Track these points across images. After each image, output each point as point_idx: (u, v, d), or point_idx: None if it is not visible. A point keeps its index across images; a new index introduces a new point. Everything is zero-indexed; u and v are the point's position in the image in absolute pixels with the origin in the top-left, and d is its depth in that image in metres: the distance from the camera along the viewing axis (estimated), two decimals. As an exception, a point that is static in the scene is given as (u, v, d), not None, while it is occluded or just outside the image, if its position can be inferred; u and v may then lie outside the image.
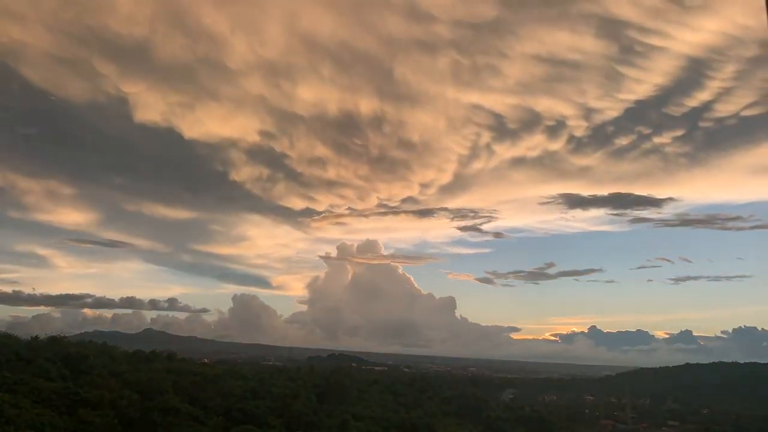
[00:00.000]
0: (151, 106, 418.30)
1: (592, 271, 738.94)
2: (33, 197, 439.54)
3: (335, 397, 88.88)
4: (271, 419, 62.56)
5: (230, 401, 66.05)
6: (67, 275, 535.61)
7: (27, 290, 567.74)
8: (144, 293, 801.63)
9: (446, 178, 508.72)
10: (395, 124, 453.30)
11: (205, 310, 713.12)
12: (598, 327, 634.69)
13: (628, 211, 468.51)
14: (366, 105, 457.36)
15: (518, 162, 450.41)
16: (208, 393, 67.88)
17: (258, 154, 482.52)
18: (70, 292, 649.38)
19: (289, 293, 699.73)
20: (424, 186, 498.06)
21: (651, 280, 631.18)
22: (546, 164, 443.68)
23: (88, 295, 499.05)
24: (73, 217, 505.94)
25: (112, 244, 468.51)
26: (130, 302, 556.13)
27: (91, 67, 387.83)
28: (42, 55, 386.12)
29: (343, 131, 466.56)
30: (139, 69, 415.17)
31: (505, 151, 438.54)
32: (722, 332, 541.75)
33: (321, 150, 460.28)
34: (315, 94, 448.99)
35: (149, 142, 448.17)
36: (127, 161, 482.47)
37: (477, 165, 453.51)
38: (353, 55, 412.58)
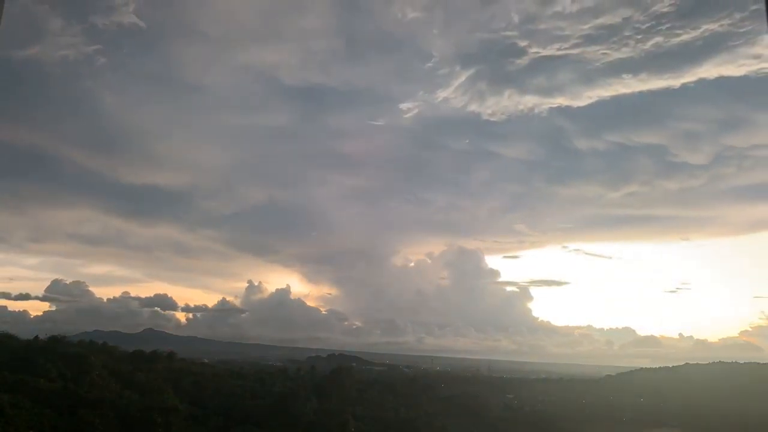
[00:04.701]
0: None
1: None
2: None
3: (335, 397, 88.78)
4: (271, 419, 62.53)
5: (230, 401, 66.04)
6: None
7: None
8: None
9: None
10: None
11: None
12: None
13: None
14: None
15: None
16: (208, 393, 67.92)
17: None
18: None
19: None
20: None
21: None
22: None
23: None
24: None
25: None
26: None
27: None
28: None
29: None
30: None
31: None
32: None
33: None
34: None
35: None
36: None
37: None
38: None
